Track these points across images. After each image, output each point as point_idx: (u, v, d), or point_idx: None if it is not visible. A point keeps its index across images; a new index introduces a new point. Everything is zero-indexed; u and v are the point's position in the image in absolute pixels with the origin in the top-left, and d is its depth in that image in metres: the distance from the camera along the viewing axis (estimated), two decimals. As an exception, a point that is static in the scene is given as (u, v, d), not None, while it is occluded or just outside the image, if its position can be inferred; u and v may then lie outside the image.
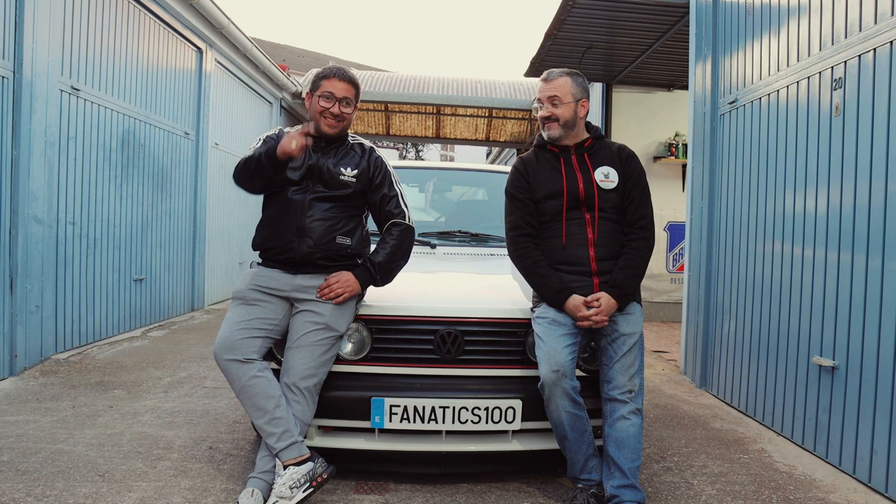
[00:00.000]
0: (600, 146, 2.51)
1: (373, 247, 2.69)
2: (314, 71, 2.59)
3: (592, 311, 2.31)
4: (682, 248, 7.07)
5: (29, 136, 4.14)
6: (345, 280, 2.40)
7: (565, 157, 2.47)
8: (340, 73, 2.49)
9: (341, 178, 2.46)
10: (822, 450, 2.99)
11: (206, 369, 4.44)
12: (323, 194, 2.45)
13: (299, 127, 2.60)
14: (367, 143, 2.61)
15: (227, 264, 8.22)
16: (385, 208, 2.54)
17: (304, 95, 2.59)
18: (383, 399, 2.38)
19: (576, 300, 2.34)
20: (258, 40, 9.29)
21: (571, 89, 2.44)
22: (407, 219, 2.55)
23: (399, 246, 2.51)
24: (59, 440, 2.96)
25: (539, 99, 2.48)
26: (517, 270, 2.54)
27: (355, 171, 2.49)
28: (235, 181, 2.54)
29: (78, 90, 4.77)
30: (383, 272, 2.49)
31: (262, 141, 2.54)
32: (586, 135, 2.52)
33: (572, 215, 2.42)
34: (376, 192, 2.53)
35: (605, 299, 2.33)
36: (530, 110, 10.33)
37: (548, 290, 2.38)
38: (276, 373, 2.42)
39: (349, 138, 2.58)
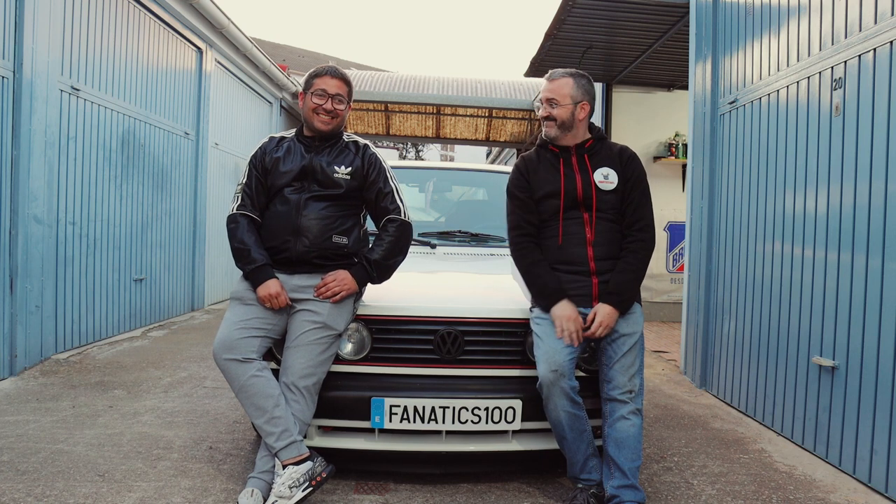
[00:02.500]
0: (601, 147, 2.51)
1: None
2: (310, 71, 2.61)
3: (592, 329, 2.31)
4: (682, 248, 7.07)
5: (29, 136, 4.14)
6: (341, 279, 2.40)
7: (565, 157, 2.48)
8: (332, 71, 2.51)
9: (335, 175, 2.46)
10: (822, 450, 2.99)
11: (206, 369, 4.44)
12: (318, 193, 2.45)
13: (292, 131, 2.61)
14: (362, 140, 2.61)
15: (227, 264, 8.21)
16: (381, 204, 2.53)
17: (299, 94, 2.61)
18: (383, 399, 2.38)
19: (564, 309, 2.31)
20: (258, 40, 9.30)
21: (571, 91, 2.44)
22: (403, 214, 2.54)
23: (396, 242, 2.51)
24: (59, 440, 2.96)
25: (540, 98, 2.49)
26: (517, 270, 2.54)
27: (349, 169, 2.49)
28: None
29: (78, 90, 4.77)
30: (380, 270, 2.49)
31: (248, 166, 2.54)
32: (588, 135, 2.51)
33: (570, 215, 2.42)
34: (371, 188, 2.52)
35: (601, 314, 2.31)
36: (530, 110, 10.36)
37: (544, 290, 2.37)
38: (276, 373, 2.42)
39: (344, 136, 2.58)
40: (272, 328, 2.40)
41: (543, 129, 2.49)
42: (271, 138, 2.61)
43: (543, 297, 2.37)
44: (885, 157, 2.61)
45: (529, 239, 2.47)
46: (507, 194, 2.56)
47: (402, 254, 2.55)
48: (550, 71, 2.51)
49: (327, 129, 2.49)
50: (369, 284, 2.55)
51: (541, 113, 2.47)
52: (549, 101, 2.44)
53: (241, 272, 2.47)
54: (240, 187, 2.52)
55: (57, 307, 4.58)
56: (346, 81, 2.53)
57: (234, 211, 2.49)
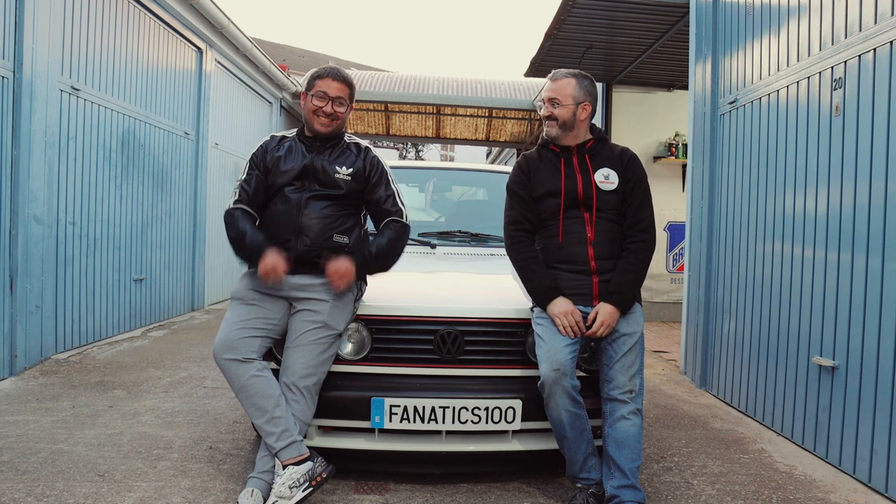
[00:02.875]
0: (602, 148, 2.52)
1: None
2: (312, 71, 2.60)
3: (594, 328, 2.31)
4: (682, 248, 7.07)
5: (29, 136, 4.14)
6: (344, 269, 2.37)
7: (566, 157, 2.48)
8: (334, 73, 2.49)
9: (336, 176, 2.46)
10: (822, 450, 2.99)
11: (206, 369, 4.44)
12: (319, 193, 2.45)
13: (293, 131, 2.61)
14: (364, 142, 2.62)
15: (227, 264, 8.21)
16: (382, 206, 2.54)
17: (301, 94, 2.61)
18: (383, 399, 2.38)
19: (560, 305, 2.32)
20: (258, 40, 9.29)
21: (573, 91, 2.45)
22: (404, 217, 2.55)
23: (396, 240, 2.51)
24: (59, 440, 2.96)
25: (542, 98, 2.50)
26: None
27: (350, 170, 2.49)
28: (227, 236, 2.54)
29: (78, 90, 4.77)
30: (378, 260, 2.48)
31: (248, 165, 2.54)
32: (589, 136, 2.52)
33: (570, 214, 2.43)
34: (373, 190, 2.53)
35: (602, 313, 2.32)
36: (530, 110, 10.36)
37: (538, 287, 2.38)
38: (276, 373, 2.42)
39: (345, 138, 2.58)
40: (272, 328, 2.41)
41: (545, 129, 2.50)
42: (272, 137, 2.61)
43: (538, 294, 2.38)
44: (885, 157, 2.61)
45: (526, 235, 2.48)
46: (507, 191, 2.57)
47: (398, 253, 2.55)
48: (553, 71, 2.53)
49: (326, 132, 2.49)
50: (369, 285, 2.56)
51: (543, 112, 2.49)
52: (552, 101, 2.46)
53: (240, 272, 2.47)
54: (238, 183, 2.53)
55: (57, 307, 4.57)
56: (348, 83, 2.52)
57: (231, 206, 2.50)
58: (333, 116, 2.48)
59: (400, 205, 2.55)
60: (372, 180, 2.52)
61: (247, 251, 2.41)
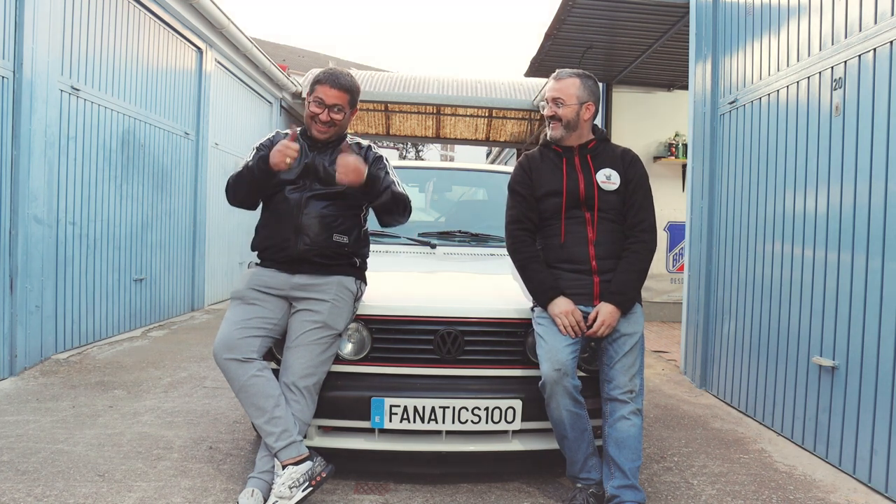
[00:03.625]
0: (604, 148, 2.52)
1: (371, 247, 2.70)
2: (315, 71, 2.60)
3: (594, 327, 2.32)
4: (682, 248, 7.07)
5: (29, 136, 4.14)
6: (355, 165, 2.33)
7: (568, 157, 2.48)
8: (332, 80, 2.45)
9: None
10: (822, 450, 2.99)
11: (206, 369, 4.44)
12: (319, 192, 2.45)
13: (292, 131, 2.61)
14: (365, 142, 2.62)
15: (227, 264, 8.22)
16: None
17: (304, 95, 2.61)
18: (383, 399, 2.38)
19: (561, 305, 2.33)
20: (258, 40, 9.28)
21: (577, 91, 2.45)
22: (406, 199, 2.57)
23: (402, 195, 2.52)
24: (59, 440, 2.96)
25: (545, 98, 2.50)
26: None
27: None
28: (231, 200, 2.55)
29: (78, 90, 4.77)
30: (386, 193, 2.46)
31: (255, 150, 2.55)
32: (591, 136, 2.52)
33: (571, 214, 2.43)
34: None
35: (603, 313, 2.32)
36: (530, 110, 10.36)
37: (539, 286, 2.39)
38: (277, 372, 2.42)
39: (347, 139, 2.58)
40: (273, 328, 2.41)
41: (548, 130, 2.49)
42: (277, 133, 2.62)
43: (539, 294, 2.38)
44: (885, 157, 2.61)
45: (527, 234, 2.48)
46: (508, 190, 2.57)
47: (401, 206, 2.53)
48: (557, 70, 2.52)
49: (323, 138, 2.49)
50: (369, 285, 2.57)
51: (546, 112, 2.48)
52: (555, 101, 2.46)
53: (241, 273, 2.47)
54: (243, 162, 2.54)
55: (57, 307, 4.57)
56: (347, 90, 2.47)
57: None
58: (330, 123, 2.47)
59: (402, 189, 2.56)
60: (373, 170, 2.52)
61: (252, 165, 2.41)
